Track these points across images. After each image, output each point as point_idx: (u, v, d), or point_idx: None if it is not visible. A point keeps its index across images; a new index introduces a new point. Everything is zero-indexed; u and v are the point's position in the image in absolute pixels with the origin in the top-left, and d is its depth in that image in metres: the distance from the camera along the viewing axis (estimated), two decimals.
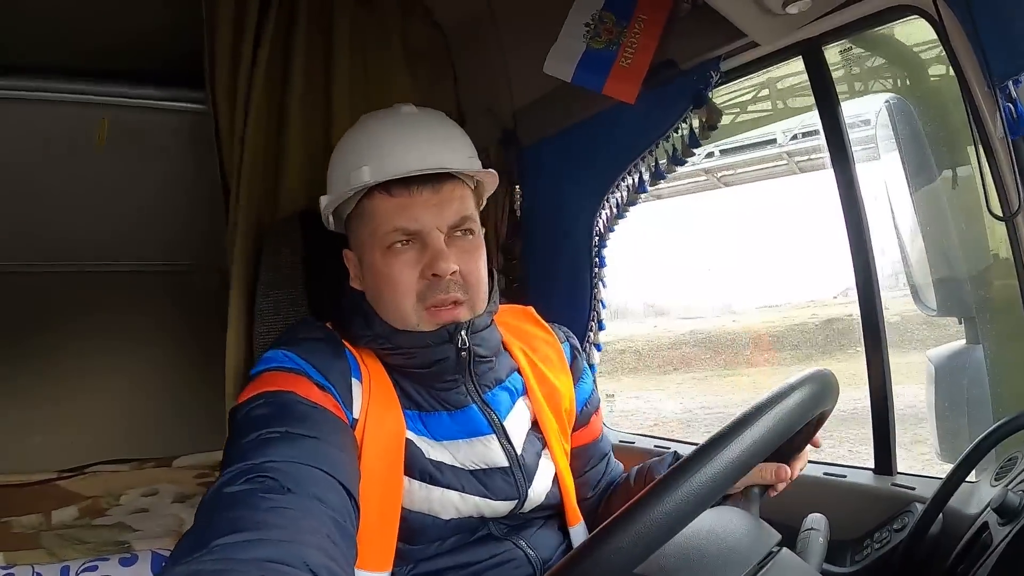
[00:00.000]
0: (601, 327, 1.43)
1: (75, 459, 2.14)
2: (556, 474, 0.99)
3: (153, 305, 2.34)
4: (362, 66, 1.44)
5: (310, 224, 1.22)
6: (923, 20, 0.96)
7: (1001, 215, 0.91)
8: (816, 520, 0.90)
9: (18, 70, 1.37)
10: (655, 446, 1.43)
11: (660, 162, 1.30)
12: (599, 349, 1.43)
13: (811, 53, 1.13)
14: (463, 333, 0.91)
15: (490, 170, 0.99)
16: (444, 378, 0.92)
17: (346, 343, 0.93)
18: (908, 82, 1.18)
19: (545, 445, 0.99)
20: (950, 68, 0.94)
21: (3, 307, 2.14)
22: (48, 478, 2.04)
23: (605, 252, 1.42)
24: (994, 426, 0.85)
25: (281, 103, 1.36)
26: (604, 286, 1.43)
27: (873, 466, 1.10)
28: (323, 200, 0.99)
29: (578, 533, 1.00)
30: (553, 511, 1.00)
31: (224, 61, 1.32)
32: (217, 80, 1.33)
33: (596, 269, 1.42)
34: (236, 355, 1.24)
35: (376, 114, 1.00)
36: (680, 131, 1.25)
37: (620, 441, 1.50)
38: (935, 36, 0.95)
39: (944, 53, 0.94)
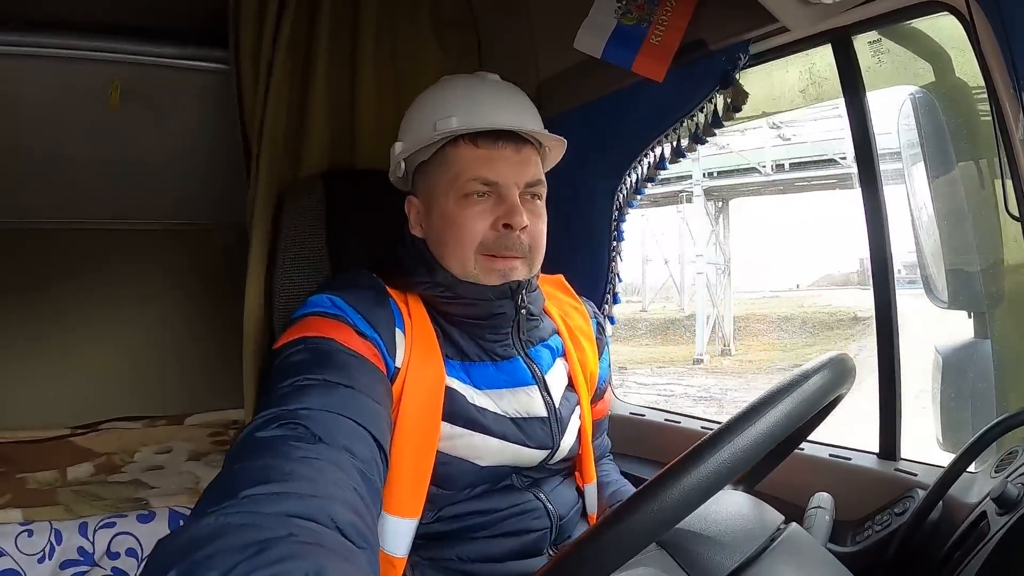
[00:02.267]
0: (616, 300, 1.45)
1: (87, 413, 2.15)
2: (580, 429, 1.04)
3: (168, 263, 2.35)
4: (389, 33, 1.42)
5: (332, 182, 1.23)
6: (953, 17, 0.95)
7: (1018, 215, 0.91)
8: (823, 499, 0.94)
9: (38, 25, 1.33)
10: (665, 419, 1.46)
11: (682, 140, 1.30)
12: (612, 322, 1.45)
13: (841, 42, 1.13)
14: (523, 292, 0.95)
15: (562, 138, 1.01)
16: (498, 331, 0.97)
17: (391, 291, 0.95)
18: (933, 76, 1.17)
19: (578, 403, 1.05)
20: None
21: (19, 262, 2.13)
22: (61, 434, 2.05)
23: (624, 226, 1.43)
24: (998, 419, 0.87)
25: (305, 67, 1.34)
26: (621, 260, 1.44)
27: (878, 450, 1.13)
28: (398, 146, 1.01)
29: (591, 491, 1.06)
30: (570, 467, 1.06)
31: (249, 24, 1.31)
32: (241, 42, 1.32)
33: (614, 243, 1.43)
34: (255, 312, 1.23)
35: (461, 75, 1.04)
36: (704, 111, 1.25)
37: (631, 413, 1.53)
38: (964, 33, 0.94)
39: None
